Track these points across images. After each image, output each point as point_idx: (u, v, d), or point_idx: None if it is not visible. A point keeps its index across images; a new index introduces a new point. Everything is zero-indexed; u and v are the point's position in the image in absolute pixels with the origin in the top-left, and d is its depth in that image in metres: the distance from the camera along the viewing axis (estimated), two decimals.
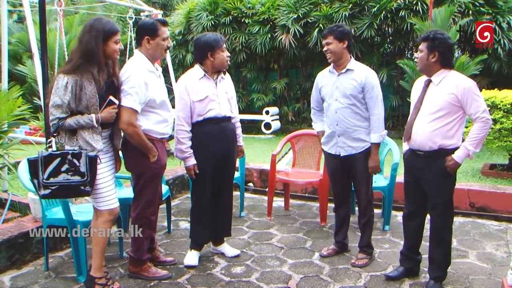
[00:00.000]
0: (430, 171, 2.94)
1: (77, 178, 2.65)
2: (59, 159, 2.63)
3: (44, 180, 2.62)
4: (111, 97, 2.80)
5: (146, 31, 3.01)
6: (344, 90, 3.35)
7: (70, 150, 2.67)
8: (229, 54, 3.41)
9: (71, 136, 2.73)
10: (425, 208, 3.13)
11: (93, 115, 2.73)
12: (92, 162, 2.70)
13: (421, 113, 2.94)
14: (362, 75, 3.32)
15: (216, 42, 3.28)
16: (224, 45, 3.34)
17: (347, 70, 3.36)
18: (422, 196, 3.07)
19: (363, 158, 3.39)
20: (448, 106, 2.84)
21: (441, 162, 2.89)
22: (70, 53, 2.82)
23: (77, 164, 2.64)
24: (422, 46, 2.94)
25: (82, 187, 2.67)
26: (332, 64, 3.44)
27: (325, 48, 3.38)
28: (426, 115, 2.91)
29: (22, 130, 8.15)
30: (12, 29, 11.58)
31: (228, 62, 3.40)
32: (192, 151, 3.31)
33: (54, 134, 2.73)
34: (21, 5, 6.24)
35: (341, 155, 3.46)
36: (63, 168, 2.63)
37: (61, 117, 2.66)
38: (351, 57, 3.41)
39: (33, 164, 2.63)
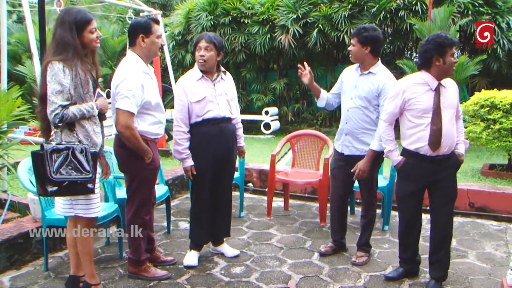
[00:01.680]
0: (446, 170, 2.98)
1: (83, 174, 2.50)
2: (65, 153, 2.46)
3: (53, 176, 2.43)
4: (99, 90, 2.72)
5: (140, 29, 2.97)
6: (361, 92, 3.34)
7: (74, 144, 2.51)
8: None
9: (69, 131, 2.57)
10: (421, 211, 3.15)
11: (92, 103, 2.61)
12: (94, 159, 2.59)
13: (443, 118, 2.89)
14: (382, 81, 3.28)
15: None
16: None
17: (369, 72, 3.34)
18: (421, 201, 3.11)
19: None
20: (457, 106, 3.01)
21: (453, 159, 3.00)
22: (48, 48, 2.65)
23: (82, 160, 2.50)
24: (454, 50, 2.83)
25: (89, 185, 2.55)
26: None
27: (349, 48, 3.39)
28: (449, 119, 2.90)
29: (21, 130, 8.15)
30: (11, 29, 11.58)
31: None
32: (189, 152, 3.31)
33: (59, 125, 2.52)
34: (20, 5, 6.22)
35: (344, 153, 3.47)
36: (69, 164, 2.47)
37: (63, 104, 2.47)
38: (378, 60, 3.36)
39: (38, 158, 2.44)
